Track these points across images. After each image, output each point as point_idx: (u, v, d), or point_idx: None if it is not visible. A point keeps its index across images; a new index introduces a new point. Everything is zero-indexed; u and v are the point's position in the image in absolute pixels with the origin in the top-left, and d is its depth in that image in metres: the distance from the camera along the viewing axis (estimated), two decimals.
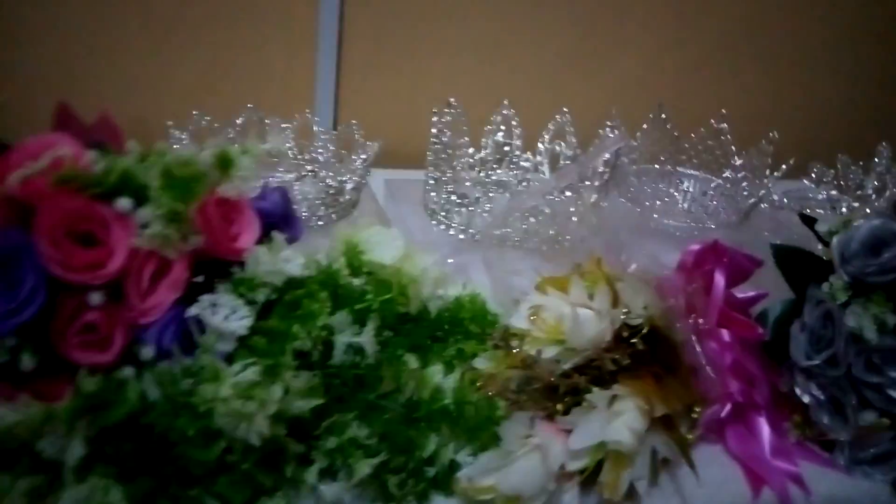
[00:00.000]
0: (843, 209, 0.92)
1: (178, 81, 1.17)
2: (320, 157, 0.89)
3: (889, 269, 0.66)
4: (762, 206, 0.96)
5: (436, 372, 0.59)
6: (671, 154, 1.00)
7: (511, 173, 0.70)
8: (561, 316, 0.59)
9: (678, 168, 1.01)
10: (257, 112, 0.88)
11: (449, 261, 0.75)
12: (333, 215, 0.77)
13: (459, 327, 0.64)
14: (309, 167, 0.72)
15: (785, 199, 0.95)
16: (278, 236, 0.57)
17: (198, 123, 0.83)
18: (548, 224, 0.74)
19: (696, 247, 0.73)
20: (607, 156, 0.74)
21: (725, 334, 0.69)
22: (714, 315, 0.70)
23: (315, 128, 0.89)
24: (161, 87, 1.18)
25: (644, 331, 0.63)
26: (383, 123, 1.29)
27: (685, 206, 0.86)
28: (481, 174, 0.71)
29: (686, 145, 1.01)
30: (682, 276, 0.72)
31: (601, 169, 0.75)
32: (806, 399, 0.70)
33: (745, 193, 0.85)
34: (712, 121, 1.00)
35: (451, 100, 0.87)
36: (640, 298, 0.65)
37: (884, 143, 0.94)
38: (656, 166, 0.87)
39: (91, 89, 1.17)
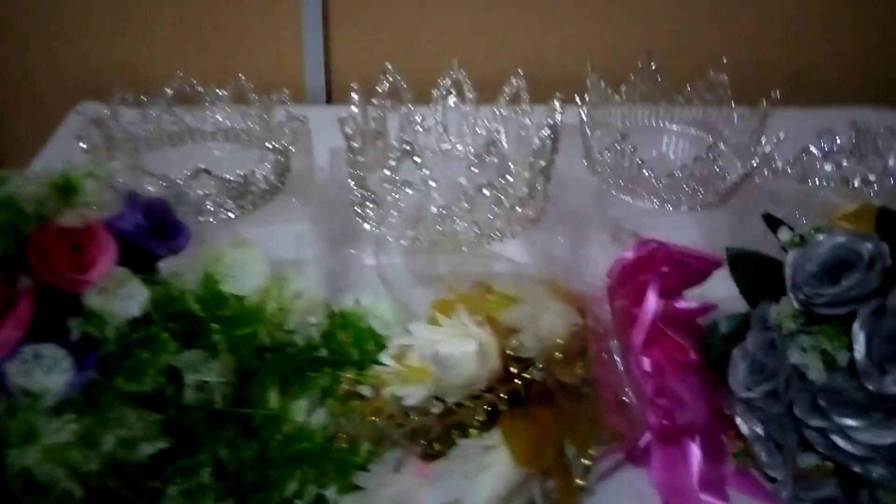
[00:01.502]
0: (856, 183, 0.78)
1: (163, 26, 1.13)
2: (257, 128, 0.84)
3: (844, 300, 0.55)
4: (765, 172, 0.83)
5: (300, 408, 0.56)
6: (662, 110, 0.88)
7: (418, 171, 0.62)
8: (426, 357, 0.53)
9: (671, 126, 0.89)
10: (188, 80, 0.83)
11: (366, 263, 0.69)
12: (249, 206, 0.72)
13: (338, 353, 0.59)
14: (201, 165, 0.67)
15: (788, 169, 0.81)
16: (118, 271, 0.53)
17: (119, 100, 0.78)
18: (467, 225, 0.66)
19: (629, 255, 0.64)
20: (537, 141, 0.64)
21: (647, 363, 0.61)
22: (641, 336, 0.62)
23: (251, 95, 0.83)
24: (146, 33, 1.14)
25: (538, 365, 0.57)
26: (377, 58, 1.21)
27: (657, 182, 0.75)
28: (386, 172, 0.64)
29: (681, 99, 0.88)
30: (611, 290, 0.64)
31: (531, 159, 0.66)
32: (745, 430, 0.62)
33: (725, 175, 0.73)
34: (711, 71, 0.85)
35: (387, 64, 0.78)
36: (541, 325, 0.57)
37: None
38: (619, 140, 0.75)
39: (75, 35, 1.15)
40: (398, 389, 0.53)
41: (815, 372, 0.56)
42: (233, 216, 0.71)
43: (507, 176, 0.65)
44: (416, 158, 0.61)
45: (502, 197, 0.65)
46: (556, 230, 0.71)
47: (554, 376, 0.56)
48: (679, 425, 0.62)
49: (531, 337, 0.57)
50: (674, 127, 0.89)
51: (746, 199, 0.85)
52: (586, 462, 0.56)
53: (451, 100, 0.81)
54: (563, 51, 1.09)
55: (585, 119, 0.78)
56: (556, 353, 0.57)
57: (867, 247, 0.56)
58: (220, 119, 0.84)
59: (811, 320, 0.58)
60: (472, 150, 0.64)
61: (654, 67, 0.86)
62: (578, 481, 0.56)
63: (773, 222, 0.64)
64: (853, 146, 0.78)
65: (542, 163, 0.67)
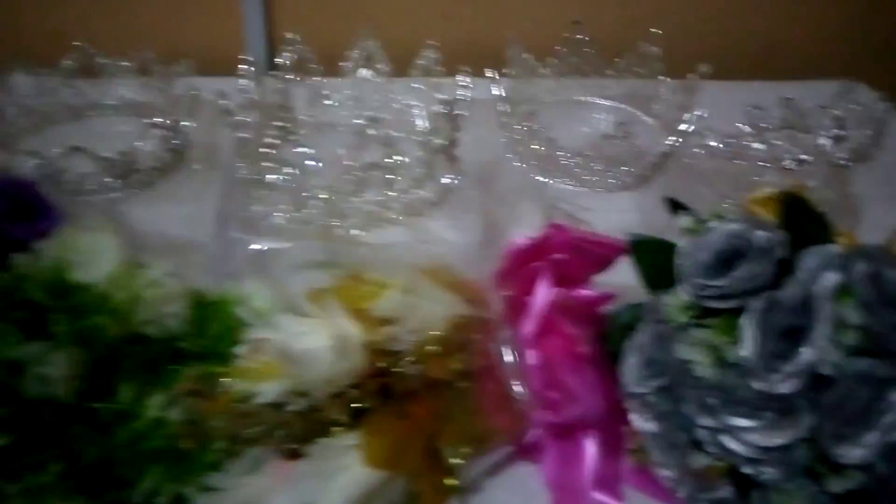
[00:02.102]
0: (786, 163, 0.73)
1: None
2: (161, 102, 0.80)
3: (733, 293, 0.51)
4: (695, 150, 0.79)
5: (155, 403, 0.53)
6: (592, 84, 0.83)
7: (299, 150, 0.59)
8: (278, 353, 0.50)
9: (599, 100, 0.84)
10: (88, 50, 0.79)
11: (253, 247, 0.66)
12: (137, 185, 0.69)
13: (205, 345, 0.56)
14: (75, 145, 0.63)
15: (721, 146, 0.77)
16: None
17: (22, 70, 0.75)
18: (358, 208, 0.63)
19: (523, 241, 0.60)
20: (425, 123, 0.60)
21: (533, 355, 0.58)
22: (531, 327, 0.59)
23: (153, 66, 0.78)
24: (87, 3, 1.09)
25: (410, 359, 0.53)
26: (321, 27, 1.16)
27: (570, 161, 0.71)
28: (262, 150, 0.60)
29: (610, 72, 0.83)
30: (501, 277, 0.60)
31: (426, 138, 0.62)
32: (638, 426, 0.59)
33: (641, 154, 0.69)
34: (642, 43, 0.80)
35: (289, 35, 0.73)
36: (417, 316, 0.54)
37: (848, 81, 0.72)
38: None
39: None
40: (250, 386, 0.50)
41: (703, 368, 0.52)
42: (119, 195, 0.68)
43: (396, 156, 0.60)
44: (292, 136, 0.57)
45: (394, 178, 0.62)
46: (465, 214, 0.67)
47: (423, 371, 0.52)
48: (569, 420, 0.59)
49: (404, 329, 0.53)
50: (605, 102, 0.84)
51: (681, 179, 0.81)
52: (458, 461, 0.53)
53: (363, 72, 0.77)
54: (510, 21, 1.04)
55: (501, 95, 0.74)
56: (430, 346, 0.53)
57: (759, 236, 0.52)
58: (124, 93, 0.80)
59: (705, 313, 0.54)
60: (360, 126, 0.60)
61: (583, 39, 0.81)
62: (450, 481, 0.53)
63: (675, 207, 0.60)
64: (783, 123, 0.73)
65: (439, 141, 0.63)
